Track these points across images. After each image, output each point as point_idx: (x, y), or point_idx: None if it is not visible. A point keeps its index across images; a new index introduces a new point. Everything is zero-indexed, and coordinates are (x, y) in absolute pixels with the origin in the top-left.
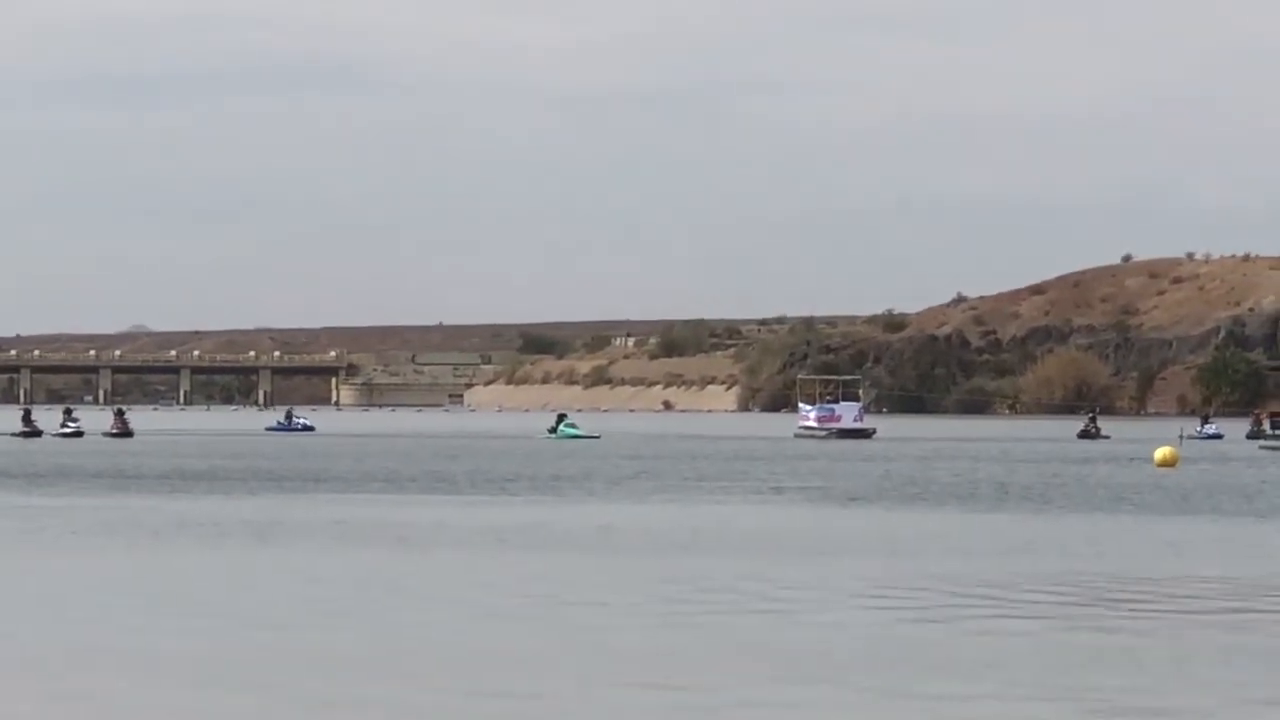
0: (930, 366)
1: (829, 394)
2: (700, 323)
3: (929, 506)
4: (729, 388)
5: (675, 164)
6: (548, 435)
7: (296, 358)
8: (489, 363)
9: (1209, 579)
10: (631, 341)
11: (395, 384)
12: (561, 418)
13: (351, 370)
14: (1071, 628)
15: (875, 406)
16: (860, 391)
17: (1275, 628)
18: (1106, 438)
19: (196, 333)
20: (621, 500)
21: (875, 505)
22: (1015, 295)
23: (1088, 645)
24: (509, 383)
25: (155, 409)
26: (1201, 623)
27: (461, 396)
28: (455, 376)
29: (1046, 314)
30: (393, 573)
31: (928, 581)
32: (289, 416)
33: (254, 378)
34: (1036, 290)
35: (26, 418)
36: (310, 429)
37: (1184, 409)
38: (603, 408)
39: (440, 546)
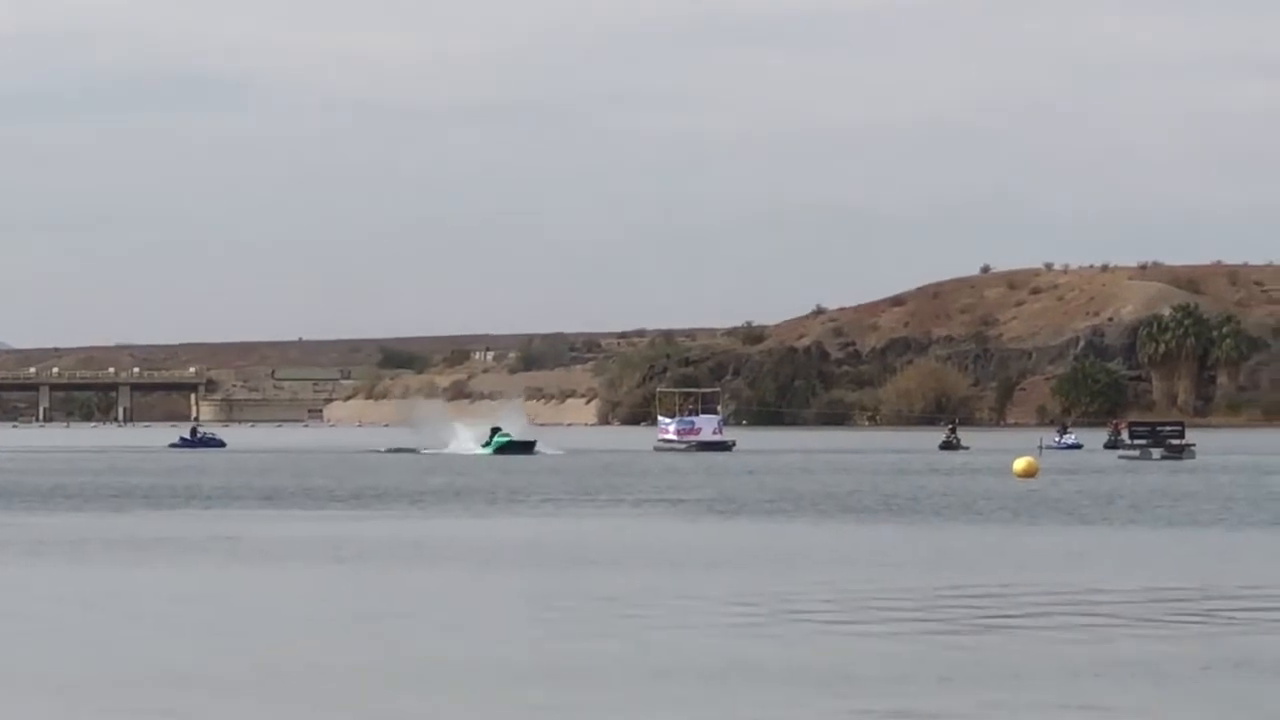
0: (790, 379)
1: (688, 407)
2: (559, 336)
3: (794, 518)
4: (589, 401)
5: (533, 177)
6: (483, 449)
7: (156, 374)
8: (348, 378)
9: (1063, 588)
10: (491, 355)
11: (255, 400)
12: (495, 431)
13: (211, 386)
14: (929, 638)
15: (735, 419)
16: (719, 404)
17: (1120, 638)
18: (966, 449)
19: (55, 349)
20: (492, 515)
21: (744, 517)
22: (874, 307)
23: (941, 657)
24: (368, 398)
25: (15, 426)
26: (1047, 635)
27: (321, 412)
28: (315, 392)
29: (906, 325)
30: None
31: (792, 591)
32: (194, 432)
33: (113, 394)
34: (896, 302)
35: None
36: (220, 444)
37: (1043, 419)
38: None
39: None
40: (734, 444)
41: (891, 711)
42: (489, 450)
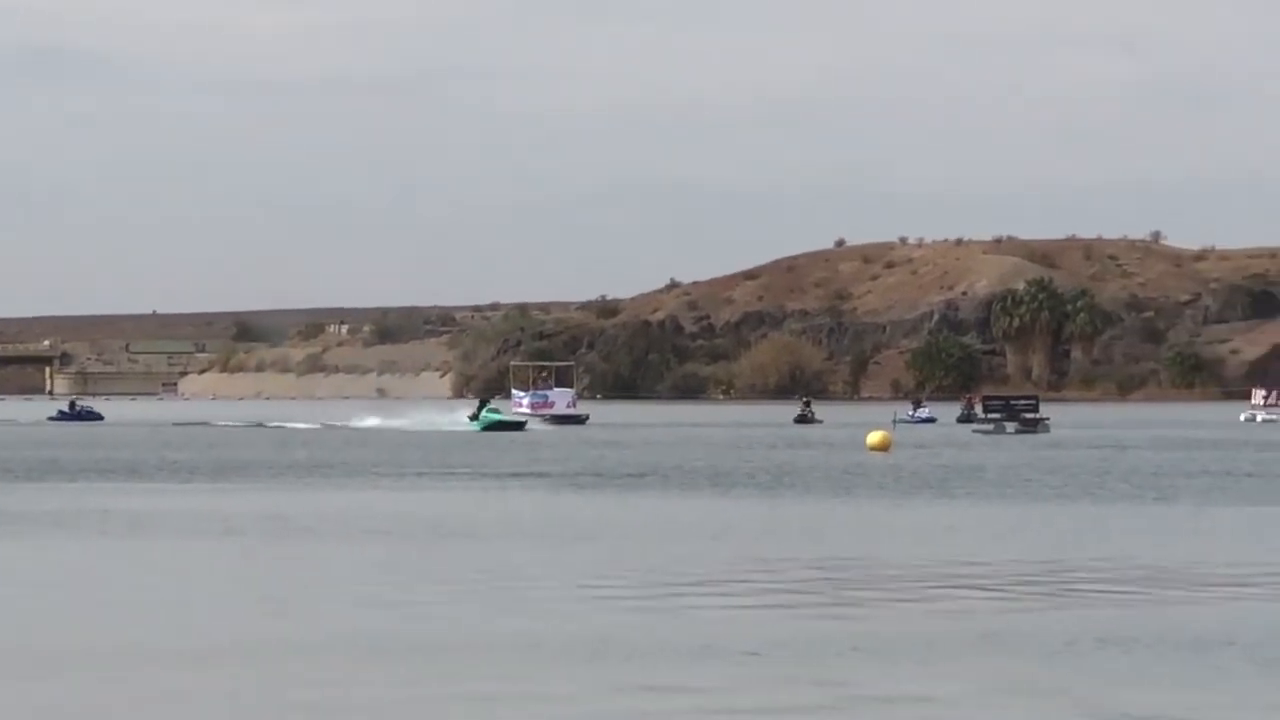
0: (644, 352)
1: (542, 380)
2: (414, 310)
3: (655, 491)
4: (443, 374)
5: (388, 151)
6: (469, 423)
7: (9, 347)
8: (203, 351)
9: (920, 561)
10: (345, 329)
11: (109, 373)
12: (484, 403)
13: (65, 359)
14: (794, 611)
15: (589, 393)
16: (573, 378)
17: (974, 612)
18: (820, 422)
19: None
20: (351, 488)
21: (600, 490)
22: (729, 281)
23: (807, 630)
24: (223, 371)
25: None
26: (912, 608)
27: (175, 385)
28: (169, 365)
29: (760, 299)
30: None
31: (657, 564)
32: (72, 405)
33: None
34: (750, 275)
35: None
36: (99, 417)
37: (898, 393)
38: (317, 395)
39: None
40: (588, 417)
41: (753, 682)
42: (477, 427)
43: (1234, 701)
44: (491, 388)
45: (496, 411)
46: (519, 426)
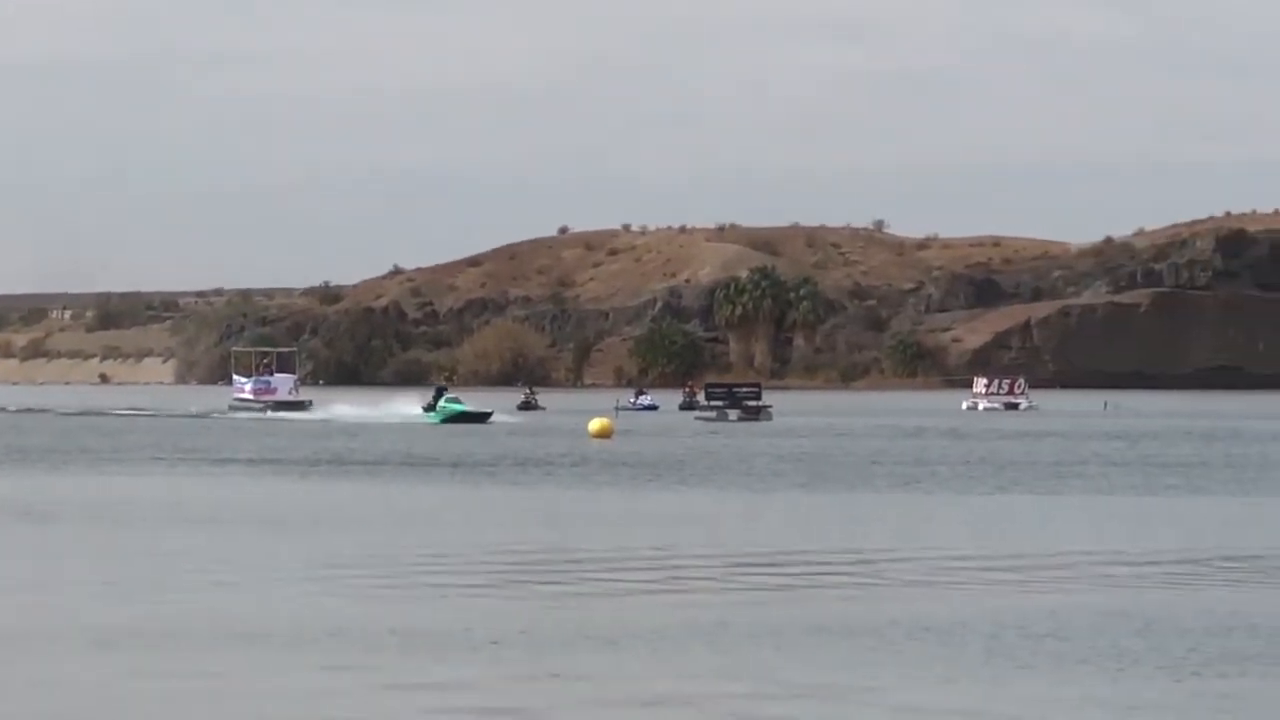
0: (367, 338)
1: (265, 366)
2: (137, 295)
3: (381, 478)
4: (166, 360)
5: (114, 135)
6: (424, 413)
7: None
8: None
9: (643, 549)
10: (68, 314)
11: None
12: (440, 392)
13: None
14: (519, 600)
15: (312, 379)
16: (296, 364)
17: (702, 601)
18: (543, 409)
19: None
20: (78, 474)
21: (327, 478)
22: (452, 267)
23: (530, 619)
24: None
25: None
26: (636, 597)
27: None
28: None
29: (483, 286)
30: None
31: (390, 554)
32: None
33: None
34: (473, 262)
35: None
36: None
37: (621, 381)
38: (39, 381)
39: None
40: (310, 404)
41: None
42: (435, 419)
43: (963, 689)
44: (214, 374)
45: (457, 401)
46: (483, 418)
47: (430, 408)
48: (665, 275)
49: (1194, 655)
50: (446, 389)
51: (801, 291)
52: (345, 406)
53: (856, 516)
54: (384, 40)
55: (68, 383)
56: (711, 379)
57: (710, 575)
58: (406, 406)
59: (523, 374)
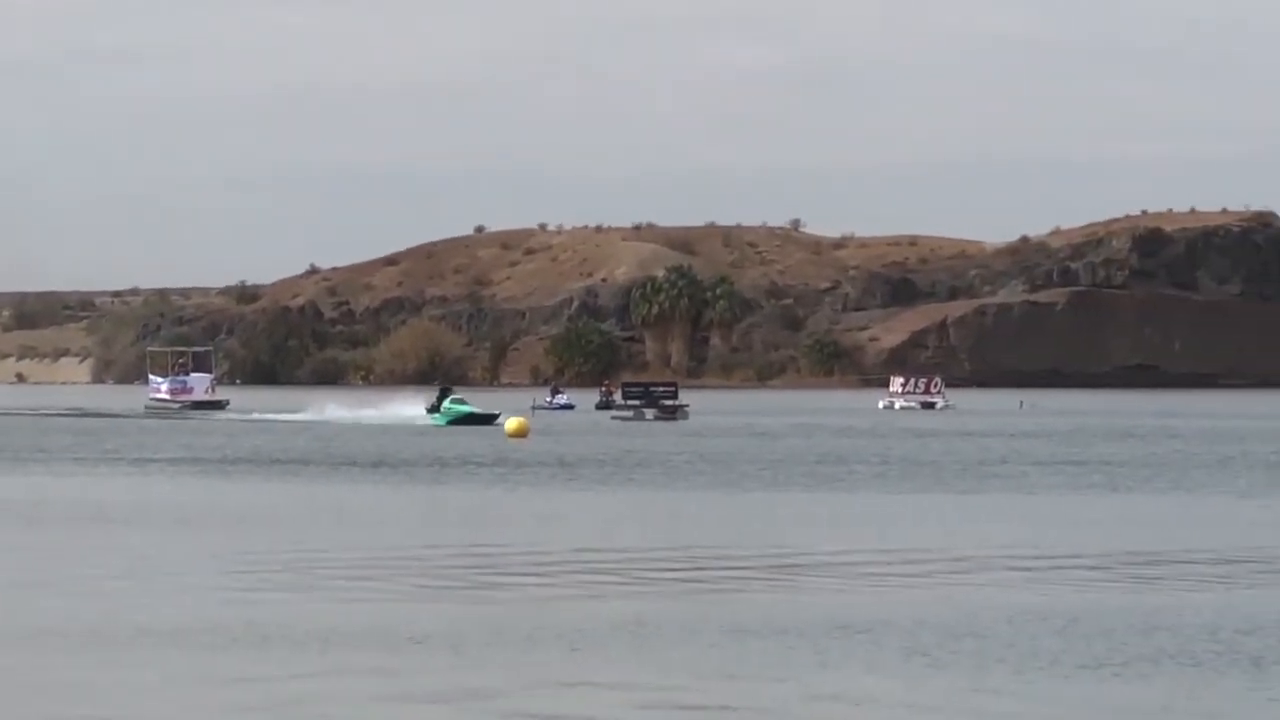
0: (284, 338)
1: (181, 366)
2: (53, 295)
3: (313, 477)
4: (83, 360)
5: (28, 134)
6: (428, 414)
7: None
8: None
9: (554, 547)
10: None
11: None
12: (445, 392)
13: None
14: (439, 600)
15: (229, 378)
16: (213, 363)
17: (614, 597)
18: None
19: None
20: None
21: (246, 478)
22: (369, 267)
23: (441, 617)
24: None
25: None
26: (548, 594)
27: None
28: None
29: (400, 285)
30: None
31: (305, 552)
32: None
33: None
34: (390, 261)
35: None
36: None
37: (537, 379)
38: None
39: None
40: (227, 403)
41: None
42: (441, 421)
43: (880, 687)
44: (131, 374)
45: (463, 402)
46: (490, 420)
47: (435, 409)
48: (582, 275)
49: (1115, 654)
50: (451, 390)
51: (718, 291)
52: (339, 408)
53: (776, 516)
54: (300, 38)
55: None
56: (628, 378)
57: (629, 574)
58: (408, 408)
59: (439, 373)
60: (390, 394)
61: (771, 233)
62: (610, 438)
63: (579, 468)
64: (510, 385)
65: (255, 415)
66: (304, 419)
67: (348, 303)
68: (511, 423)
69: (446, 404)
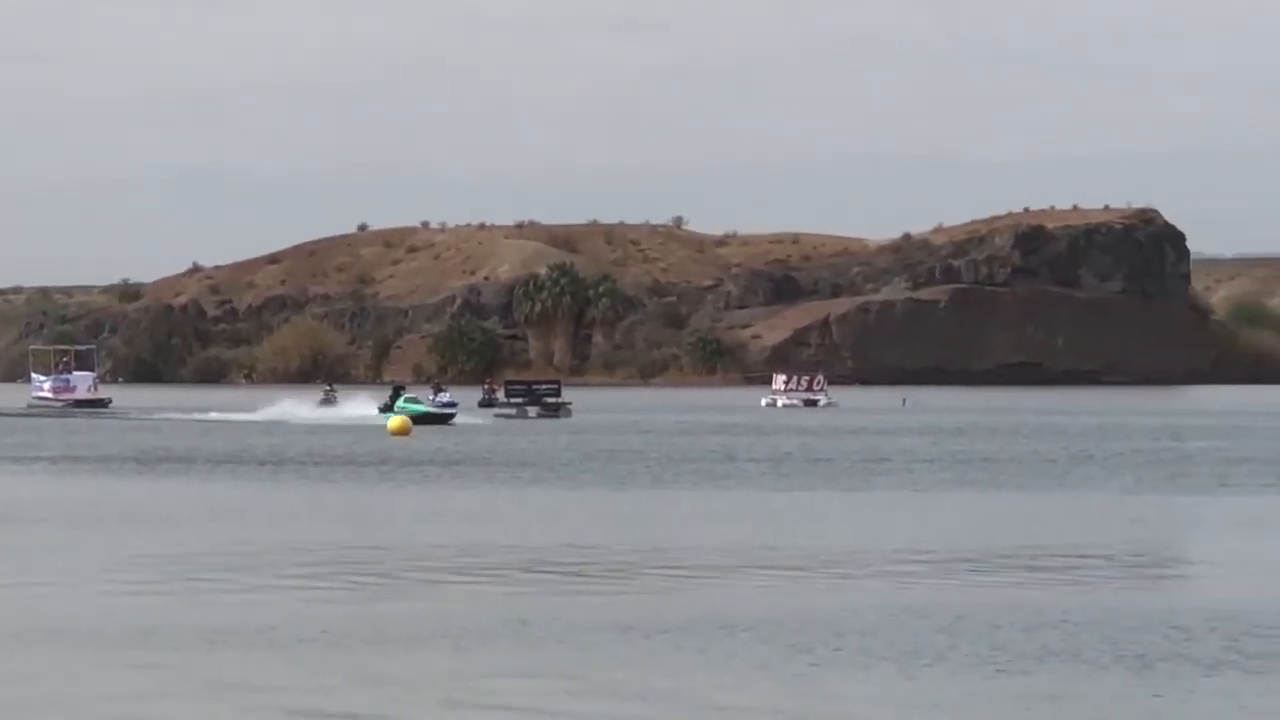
0: (166, 336)
1: (63, 364)
2: None
3: (193, 477)
4: None
5: None
6: (380, 415)
7: None
8: None
9: (444, 546)
10: None
11: None
12: (398, 392)
13: None
14: (317, 598)
15: (111, 377)
16: (96, 362)
17: (497, 595)
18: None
19: None
20: None
21: (133, 476)
22: (251, 265)
23: (337, 616)
24: None
25: None
26: (444, 592)
27: None
28: None
29: (283, 283)
30: None
31: (182, 552)
32: None
33: None
34: (273, 260)
35: None
36: None
37: (420, 377)
38: None
39: None
40: (110, 401)
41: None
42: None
43: (734, 682)
44: (14, 372)
45: (416, 402)
46: (446, 419)
47: (388, 408)
48: (464, 273)
49: (1000, 652)
50: (404, 388)
51: (601, 289)
52: (294, 406)
53: (661, 514)
54: (182, 36)
55: None
56: (511, 376)
57: (513, 573)
58: (361, 408)
59: (322, 371)
60: (273, 393)
61: (654, 230)
62: (494, 436)
63: (464, 466)
64: (393, 384)
65: (212, 415)
66: (259, 419)
67: (230, 301)
68: (394, 421)
69: (400, 403)
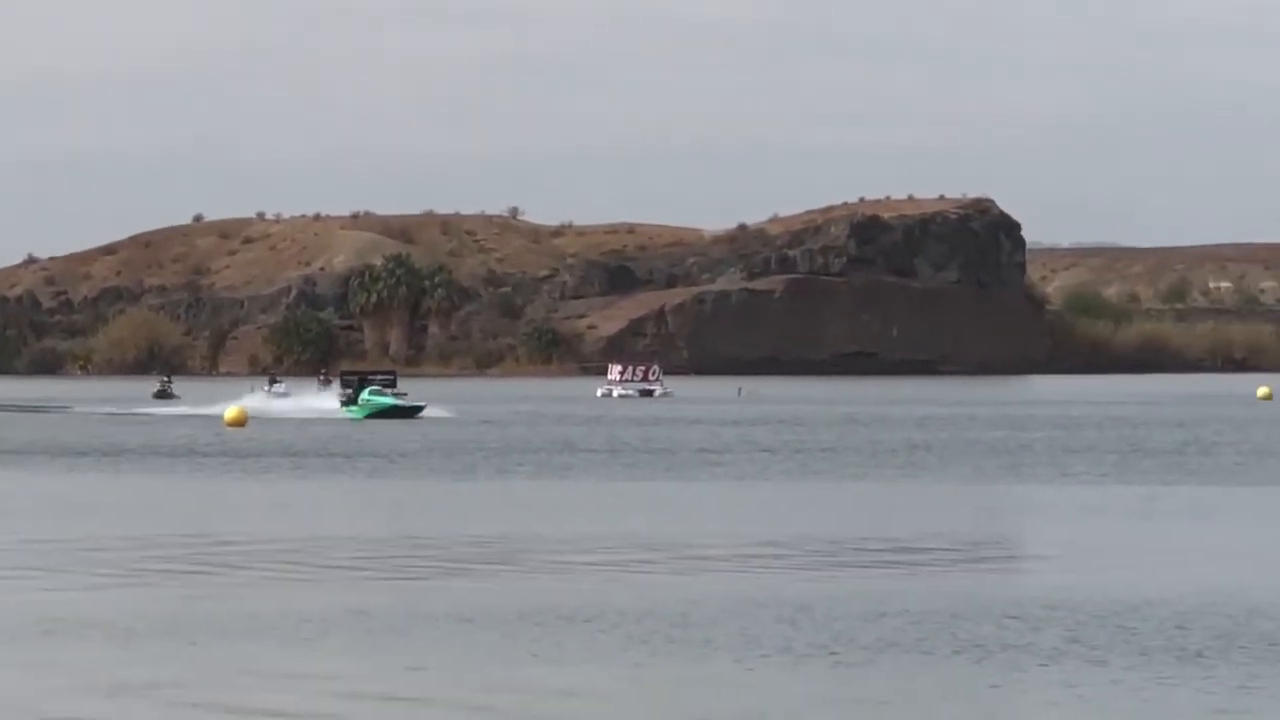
0: (2, 328)
1: None
2: None
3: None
4: None
5: None
6: (343, 408)
7: None
8: None
9: (276, 537)
10: None
11: None
12: (364, 384)
13: None
14: (163, 590)
15: None
16: None
17: (335, 588)
18: (179, 398)
19: None
20: None
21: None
22: (87, 256)
23: (186, 609)
24: None
25: None
26: (279, 585)
27: None
28: None
29: (118, 274)
30: None
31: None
32: None
33: None
34: (108, 251)
35: None
36: None
37: (256, 368)
38: None
39: None
40: None
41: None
42: (359, 415)
43: (605, 673)
44: None
45: (382, 394)
46: (414, 412)
47: (351, 401)
48: (300, 263)
49: (841, 641)
50: (369, 380)
51: (436, 279)
52: (251, 398)
53: (503, 504)
54: (14, 26)
55: None
56: (346, 366)
57: (353, 564)
58: (322, 400)
59: (158, 362)
60: (108, 383)
61: (489, 221)
62: (331, 426)
63: (304, 457)
64: (229, 374)
65: (183, 409)
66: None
67: (66, 292)
68: (231, 411)
69: (365, 396)
